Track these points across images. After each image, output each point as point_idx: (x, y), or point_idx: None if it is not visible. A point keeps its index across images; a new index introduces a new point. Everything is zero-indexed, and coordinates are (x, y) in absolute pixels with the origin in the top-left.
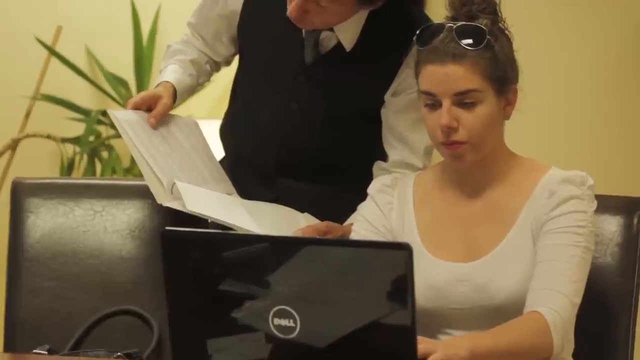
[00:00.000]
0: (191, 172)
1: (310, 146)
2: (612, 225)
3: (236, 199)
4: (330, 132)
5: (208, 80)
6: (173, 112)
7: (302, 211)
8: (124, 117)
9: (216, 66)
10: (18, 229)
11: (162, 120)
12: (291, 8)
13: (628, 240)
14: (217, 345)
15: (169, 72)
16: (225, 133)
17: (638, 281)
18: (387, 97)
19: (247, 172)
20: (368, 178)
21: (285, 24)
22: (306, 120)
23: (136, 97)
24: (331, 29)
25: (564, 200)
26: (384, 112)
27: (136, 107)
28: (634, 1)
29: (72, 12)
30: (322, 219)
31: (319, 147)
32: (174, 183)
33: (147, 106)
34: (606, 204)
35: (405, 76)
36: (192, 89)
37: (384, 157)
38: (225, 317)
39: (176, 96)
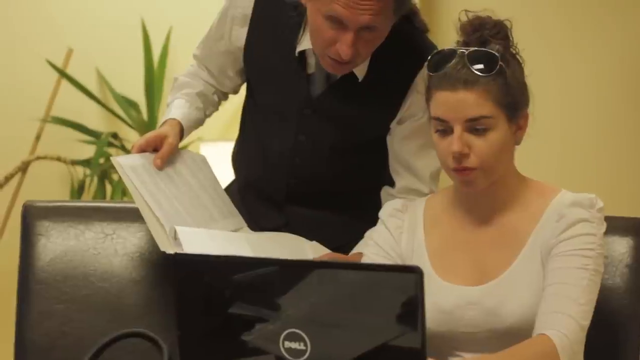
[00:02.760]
0: (198, 211)
1: (319, 175)
2: (621, 246)
3: (241, 236)
4: (339, 162)
5: (216, 109)
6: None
7: (311, 238)
8: (128, 162)
9: (224, 96)
10: (29, 252)
11: (169, 159)
12: (344, 49)
13: (637, 261)
14: None
15: (175, 107)
16: (236, 160)
17: None
18: (393, 125)
19: (257, 198)
20: (377, 204)
21: (288, 60)
22: (314, 151)
23: (141, 139)
24: None
25: (573, 224)
26: (390, 140)
27: (141, 150)
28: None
29: (83, 35)
30: (332, 244)
31: (328, 176)
32: (175, 229)
33: (152, 148)
34: (615, 225)
35: (410, 103)
36: (200, 122)
37: (391, 182)
38: (235, 340)
39: (183, 132)
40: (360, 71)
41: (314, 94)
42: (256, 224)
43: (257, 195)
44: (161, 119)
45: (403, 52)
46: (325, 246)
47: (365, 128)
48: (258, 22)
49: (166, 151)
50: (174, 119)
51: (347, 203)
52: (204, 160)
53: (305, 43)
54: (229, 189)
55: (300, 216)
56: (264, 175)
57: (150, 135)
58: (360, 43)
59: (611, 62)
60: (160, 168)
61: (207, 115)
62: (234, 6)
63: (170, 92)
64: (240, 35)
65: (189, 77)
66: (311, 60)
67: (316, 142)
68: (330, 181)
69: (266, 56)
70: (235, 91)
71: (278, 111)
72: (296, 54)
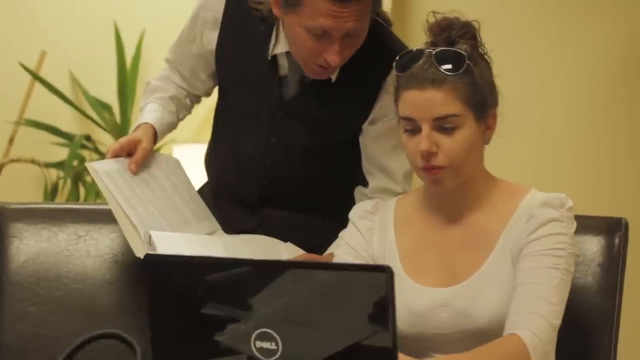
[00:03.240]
0: (173, 215)
1: (292, 178)
2: (593, 245)
3: (215, 239)
4: (312, 164)
5: (189, 113)
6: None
7: (286, 239)
8: (102, 168)
9: (196, 99)
10: (2, 254)
11: (143, 163)
12: (332, 58)
13: (609, 260)
14: None
15: (148, 111)
16: (209, 162)
17: (619, 301)
18: (365, 125)
19: (230, 201)
20: (351, 204)
21: (259, 62)
22: (287, 154)
23: (115, 145)
24: None
25: (543, 223)
26: (362, 141)
27: (116, 155)
28: (620, 21)
29: (56, 38)
30: (306, 245)
31: (300, 178)
32: (150, 234)
33: (126, 152)
34: (588, 224)
35: (382, 104)
36: (173, 125)
37: (364, 182)
38: (208, 340)
39: (156, 137)
40: (333, 73)
41: (286, 96)
42: (230, 226)
43: (230, 198)
44: (134, 121)
45: (374, 53)
46: (300, 247)
47: (338, 130)
48: (229, 26)
49: (140, 156)
50: (147, 123)
51: (321, 204)
52: (177, 163)
53: (278, 47)
54: (201, 191)
55: (274, 218)
56: (236, 177)
57: (124, 140)
58: (345, 48)
59: (589, 62)
60: (135, 173)
61: (180, 119)
62: (205, 9)
63: (143, 96)
64: (211, 38)
65: (161, 81)
66: (283, 63)
67: (288, 145)
68: (303, 183)
69: (237, 59)
70: (208, 94)
71: (250, 114)
72: (269, 58)
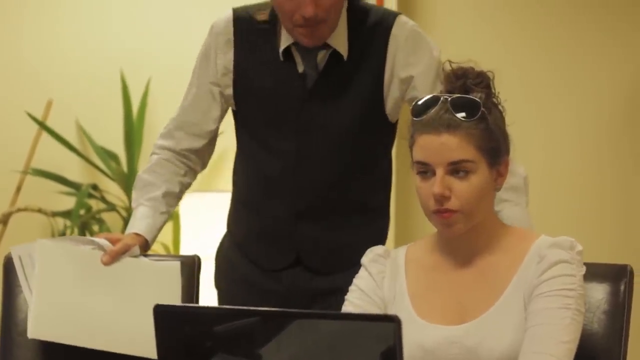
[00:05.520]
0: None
1: (324, 185)
2: (599, 292)
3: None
4: (342, 160)
5: (184, 194)
6: None
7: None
8: (50, 249)
9: (193, 173)
10: (10, 303)
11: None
12: (305, 10)
13: (615, 307)
14: None
15: (139, 218)
16: (234, 213)
17: (625, 348)
18: (394, 85)
19: (264, 242)
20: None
21: (276, 65)
22: (317, 155)
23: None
24: (326, 46)
25: (554, 264)
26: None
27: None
28: (623, 72)
29: (63, 87)
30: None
31: (332, 181)
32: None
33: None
34: (593, 271)
35: (393, 55)
36: (164, 222)
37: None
38: None
39: (147, 244)
40: (343, 49)
41: (308, 87)
42: (264, 270)
43: (264, 238)
44: (141, 169)
45: (368, 22)
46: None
47: (362, 107)
48: (241, 42)
49: (118, 249)
50: (138, 234)
51: (355, 217)
52: (173, 270)
53: (284, 41)
54: (221, 247)
55: (310, 246)
56: (269, 207)
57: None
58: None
59: (595, 110)
60: (107, 264)
61: (171, 212)
62: (215, 37)
63: (134, 190)
64: (226, 61)
65: (152, 176)
66: (297, 58)
67: (318, 143)
68: (336, 188)
69: (256, 70)
70: (205, 163)
71: (276, 120)
72: (280, 55)
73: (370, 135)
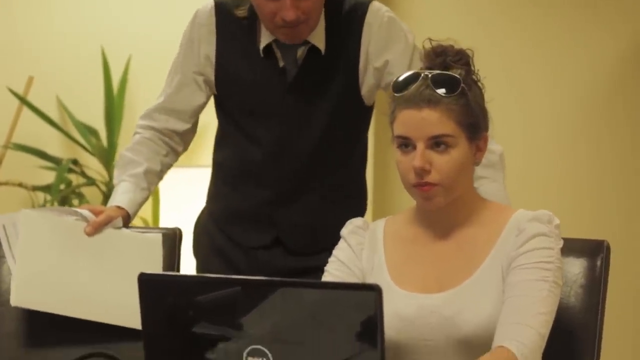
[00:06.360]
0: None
1: (306, 163)
2: (575, 267)
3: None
4: (323, 143)
5: (165, 174)
6: None
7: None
8: (34, 218)
9: (174, 154)
10: None
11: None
12: (286, 14)
13: (591, 282)
14: None
15: (121, 192)
16: (214, 189)
17: (601, 322)
18: (369, 72)
19: (240, 221)
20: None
21: (256, 60)
22: (300, 141)
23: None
24: (305, 42)
25: (532, 237)
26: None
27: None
28: (603, 49)
29: (44, 63)
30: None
31: (314, 164)
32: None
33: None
34: (571, 246)
35: (367, 43)
36: (146, 198)
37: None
38: (199, 358)
39: (129, 218)
40: (321, 45)
41: (289, 80)
42: (244, 248)
43: (241, 217)
44: (121, 146)
45: (346, 13)
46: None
47: (339, 97)
48: (223, 34)
49: (101, 220)
50: (120, 207)
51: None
52: (154, 243)
53: (265, 38)
54: (199, 223)
55: (291, 225)
56: (247, 188)
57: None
58: (300, 2)
59: (572, 88)
60: (90, 234)
61: (152, 190)
62: (197, 28)
63: (116, 168)
64: (209, 51)
65: (134, 154)
66: (278, 54)
67: (301, 132)
68: (315, 169)
69: (236, 63)
70: (187, 143)
71: (258, 111)
72: (261, 52)
73: (348, 122)
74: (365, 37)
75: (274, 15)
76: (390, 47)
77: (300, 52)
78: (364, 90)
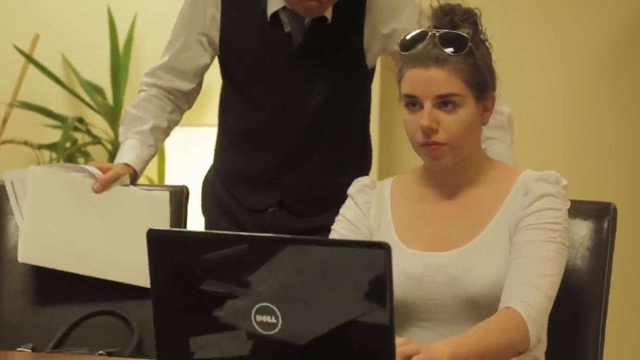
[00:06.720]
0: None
1: (310, 128)
2: (582, 229)
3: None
4: (327, 116)
5: (172, 130)
6: None
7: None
8: (43, 174)
9: (179, 111)
10: (0, 231)
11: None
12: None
13: (598, 244)
14: (199, 343)
15: (127, 149)
16: (220, 149)
17: (608, 284)
18: (376, 39)
19: (245, 182)
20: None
21: (263, 25)
22: (305, 109)
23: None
24: None
25: (539, 197)
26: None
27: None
28: (611, 10)
29: (50, 21)
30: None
31: (318, 128)
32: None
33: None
34: (577, 208)
35: (374, 10)
36: (152, 155)
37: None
38: (207, 315)
39: (136, 175)
40: (328, 13)
41: (295, 47)
42: (248, 210)
43: (247, 178)
44: (126, 103)
45: None
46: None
47: (345, 64)
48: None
49: (109, 177)
50: (127, 164)
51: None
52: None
53: (273, 5)
54: (206, 181)
55: (295, 188)
56: (254, 152)
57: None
58: None
59: (579, 49)
60: (98, 191)
61: (158, 147)
62: None
63: (122, 125)
64: (215, 13)
65: (140, 110)
66: (284, 19)
67: (308, 99)
68: (321, 139)
69: (243, 28)
70: (191, 101)
71: (263, 77)
72: (268, 19)
73: (351, 87)
74: (370, 4)
75: None
76: (398, 14)
77: (307, 19)
78: (369, 57)
